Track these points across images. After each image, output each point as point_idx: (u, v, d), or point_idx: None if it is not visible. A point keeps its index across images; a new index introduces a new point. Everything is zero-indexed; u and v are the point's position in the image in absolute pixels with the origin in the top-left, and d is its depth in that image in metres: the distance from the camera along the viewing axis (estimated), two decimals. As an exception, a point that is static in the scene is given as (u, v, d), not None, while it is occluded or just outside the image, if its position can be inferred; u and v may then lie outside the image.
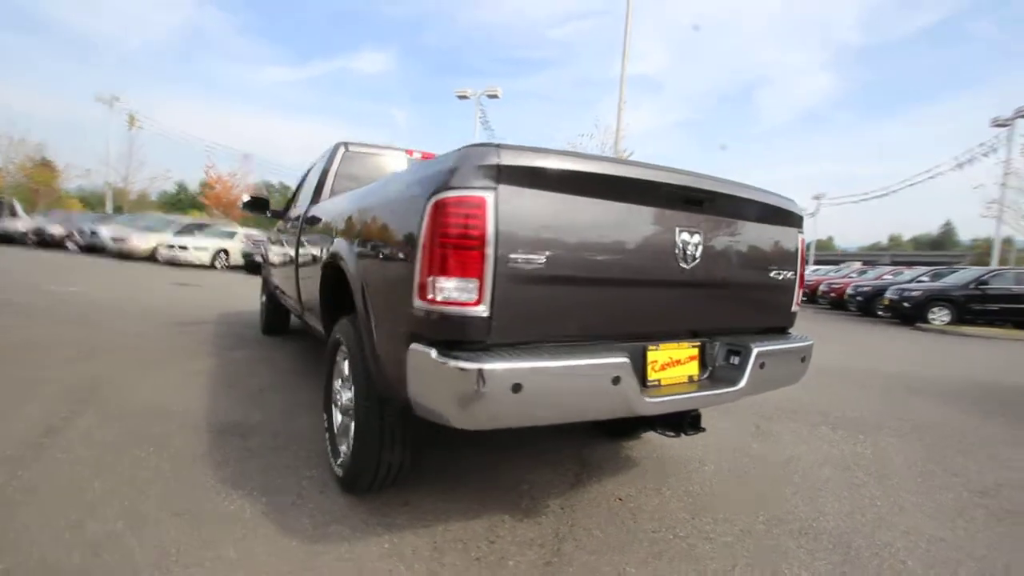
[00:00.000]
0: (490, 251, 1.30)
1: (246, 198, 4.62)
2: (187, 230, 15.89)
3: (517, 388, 1.28)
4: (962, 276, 12.30)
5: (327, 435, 2.28)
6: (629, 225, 1.55)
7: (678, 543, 1.89)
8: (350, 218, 2.01)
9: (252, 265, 13.65)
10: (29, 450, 2.24)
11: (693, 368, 1.76)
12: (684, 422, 1.87)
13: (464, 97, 18.50)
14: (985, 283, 11.37)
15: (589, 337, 1.52)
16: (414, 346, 1.39)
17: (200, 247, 14.19)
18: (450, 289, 1.31)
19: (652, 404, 1.53)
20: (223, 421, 2.76)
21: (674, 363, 1.70)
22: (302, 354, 4.47)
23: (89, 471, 2.11)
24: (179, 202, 50.42)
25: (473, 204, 1.29)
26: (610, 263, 1.52)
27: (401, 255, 1.47)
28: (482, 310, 1.31)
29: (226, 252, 14.76)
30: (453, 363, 1.27)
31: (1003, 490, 2.54)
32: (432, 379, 1.34)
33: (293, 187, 5.01)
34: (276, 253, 4.19)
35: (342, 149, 3.41)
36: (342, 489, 2.07)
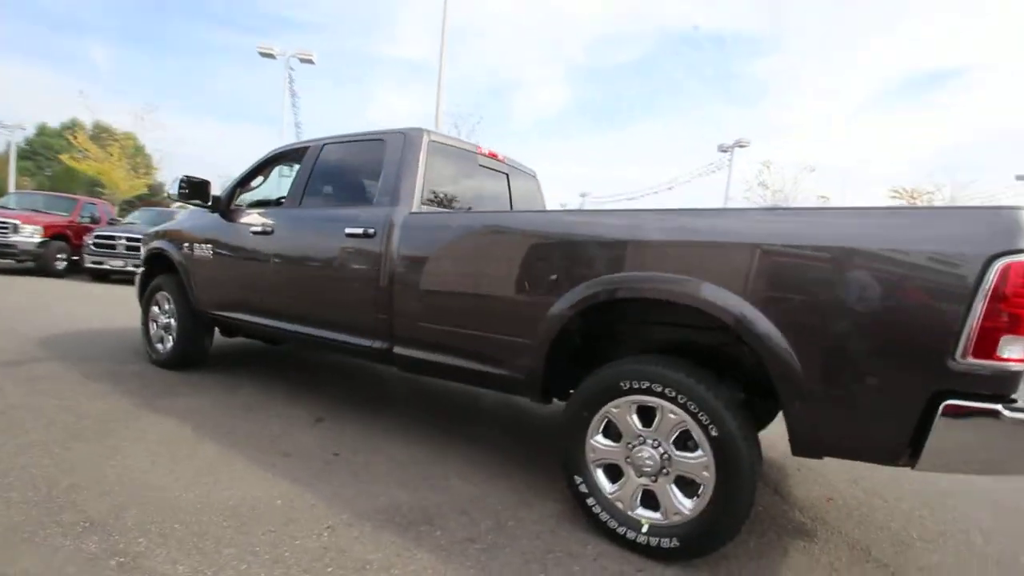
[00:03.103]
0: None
1: (180, 178, 3.26)
2: None
3: None
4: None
5: (591, 502, 1.93)
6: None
7: (920, 525, 2.25)
8: (749, 262, 1.66)
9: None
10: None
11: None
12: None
13: (269, 56, 15.63)
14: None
15: None
16: (951, 402, 1.37)
17: None
18: (1013, 347, 1.34)
19: None
20: (363, 509, 2.02)
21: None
22: (269, 389, 3.41)
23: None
24: None
25: None
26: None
27: (924, 310, 1.40)
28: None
29: None
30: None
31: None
32: (986, 433, 1.35)
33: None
34: (267, 262, 3.08)
35: (425, 138, 2.72)
36: (669, 560, 1.80)
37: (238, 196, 3.54)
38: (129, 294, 8.50)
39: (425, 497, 2.16)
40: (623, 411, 1.89)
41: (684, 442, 1.81)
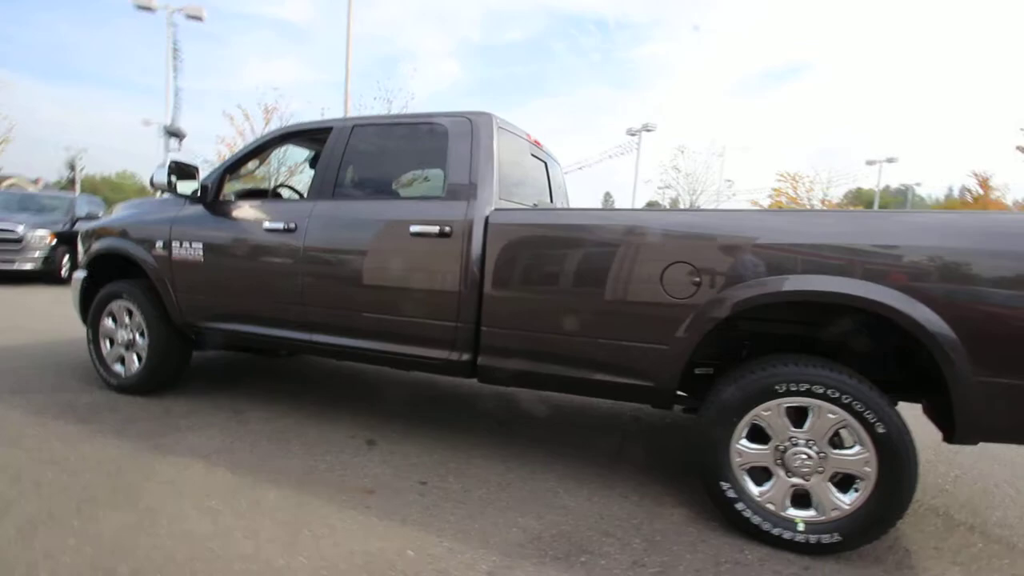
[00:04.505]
0: None
1: (168, 163, 2.66)
2: None
3: None
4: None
5: (740, 507, 1.91)
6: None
7: (964, 486, 2.54)
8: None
9: None
10: None
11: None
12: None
13: (147, 9, 13.26)
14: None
15: None
16: None
17: None
18: None
19: None
20: (504, 545, 1.83)
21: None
22: (281, 410, 2.97)
23: None
24: None
25: None
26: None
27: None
28: None
29: None
30: None
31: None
32: None
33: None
34: (295, 266, 2.62)
35: (495, 124, 2.44)
36: (830, 553, 1.84)
37: (227, 184, 2.97)
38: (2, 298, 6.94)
39: (553, 522, 2.00)
40: (774, 413, 1.88)
41: (832, 439, 1.85)
